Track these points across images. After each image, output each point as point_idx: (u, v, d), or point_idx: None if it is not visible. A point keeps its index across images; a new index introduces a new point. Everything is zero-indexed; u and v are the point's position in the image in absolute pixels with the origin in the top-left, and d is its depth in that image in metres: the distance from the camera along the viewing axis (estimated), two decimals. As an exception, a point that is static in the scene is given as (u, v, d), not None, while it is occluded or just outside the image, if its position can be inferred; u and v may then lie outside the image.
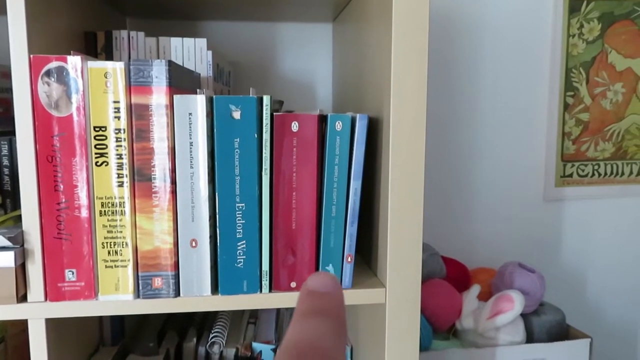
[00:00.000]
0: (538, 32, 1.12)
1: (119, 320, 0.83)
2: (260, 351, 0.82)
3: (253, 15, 0.98)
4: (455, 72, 1.11)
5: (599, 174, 1.16)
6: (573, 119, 1.14)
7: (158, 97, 0.57)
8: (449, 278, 0.96)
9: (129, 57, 0.75)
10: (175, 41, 0.76)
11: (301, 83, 1.07)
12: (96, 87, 0.56)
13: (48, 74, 0.56)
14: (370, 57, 0.70)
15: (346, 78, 0.90)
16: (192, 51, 0.77)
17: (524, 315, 0.91)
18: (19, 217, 0.64)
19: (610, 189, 1.17)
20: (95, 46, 0.75)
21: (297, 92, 1.07)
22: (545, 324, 0.90)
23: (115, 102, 0.57)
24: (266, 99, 0.59)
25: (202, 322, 0.90)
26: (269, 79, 1.06)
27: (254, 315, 0.94)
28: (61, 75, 0.56)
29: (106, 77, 0.56)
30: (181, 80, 0.63)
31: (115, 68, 0.56)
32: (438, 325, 0.89)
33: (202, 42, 0.76)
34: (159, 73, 0.57)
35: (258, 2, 0.86)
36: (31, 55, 0.56)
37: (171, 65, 0.57)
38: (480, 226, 1.15)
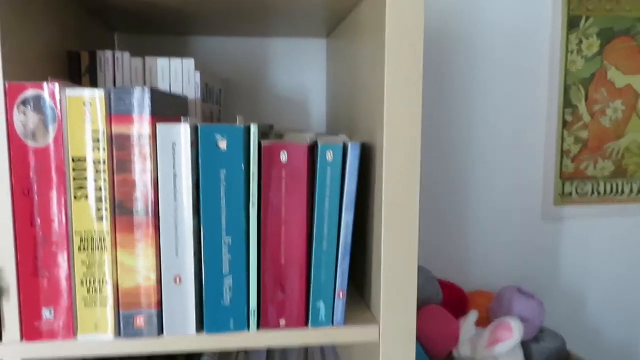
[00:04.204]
0: (536, 48, 1.09)
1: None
2: (250, 382, 0.79)
3: (245, 31, 0.96)
4: (452, 88, 1.08)
5: (599, 193, 1.14)
6: (572, 137, 1.12)
7: (140, 127, 0.54)
8: (445, 303, 0.94)
9: (114, 79, 0.73)
10: (162, 62, 0.73)
11: (294, 100, 1.04)
12: (75, 116, 0.54)
13: (24, 102, 0.53)
14: (364, 77, 0.68)
15: (340, 96, 0.88)
16: (179, 72, 0.74)
17: (523, 342, 0.88)
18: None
19: (611, 208, 1.15)
20: (79, 67, 0.72)
21: (291, 109, 1.05)
22: (544, 352, 0.88)
23: (94, 132, 0.54)
24: (254, 128, 0.56)
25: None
26: (262, 95, 1.04)
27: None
28: (38, 104, 0.53)
29: (85, 106, 0.54)
30: (166, 107, 0.60)
31: (95, 97, 0.53)
32: (435, 354, 0.86)
33: (189, 62, 0.74)
34: (141, 101, 0.54)
35: (250, 18, 0.83)
36: (6, 83, 0.53)
37: (154, 93, 0.54)
38: (478, 246, 1.12)
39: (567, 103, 1.11)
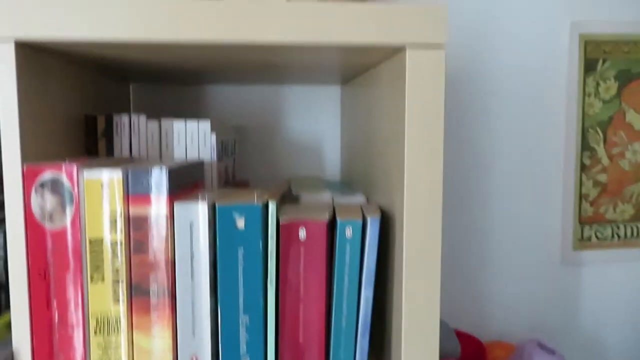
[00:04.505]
0: (553, 91, 1.08)
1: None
2: None
3: (259, 80, 0.96)
4: (468, 132, 1.07)
5: (619, 237, 1.12)
6: (590, 180, 1.10)
7: (157, 207, 0.54)
8: (463, 356, 0.92)
9: (130, 142, 0.72)
10: (178, 124, 0.73)
11: (308, 146, 1.04)
12: (92, 197, 0.53)
13: (42, 185, 0.53)
14: (380, 128, 0.67)
15: (354, 143, 0.87)
16: (195, 134, 0.74)
17: (544, 400, 0.86)
18: (9, 326, 0.61)
19: (631, 252, 1.12)
20: (96, 130, 0.72)
21: (304, 155, 1.04)
22: (567, 410, 0.85)
23: (112, 212, 0.53)
24: (272, 206, 0.55)
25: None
26: (276, 142, 1.03)
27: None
28: (56, 186, 0.53)
29: (103, 187, 0.53)
30: (182, 179, 0.59)
31: (112, 178, 0.53)
32: (454, 412, 0.84)
33: (205, 124, 0.73)
34: (158, 181, 0.54)
35: (264, 72, 0.83)
36: (25, 165, 0.53)
37: (172, 172, 0.54)
38: (496, 292, 1.10)
39: (585, 146, 1.09)
